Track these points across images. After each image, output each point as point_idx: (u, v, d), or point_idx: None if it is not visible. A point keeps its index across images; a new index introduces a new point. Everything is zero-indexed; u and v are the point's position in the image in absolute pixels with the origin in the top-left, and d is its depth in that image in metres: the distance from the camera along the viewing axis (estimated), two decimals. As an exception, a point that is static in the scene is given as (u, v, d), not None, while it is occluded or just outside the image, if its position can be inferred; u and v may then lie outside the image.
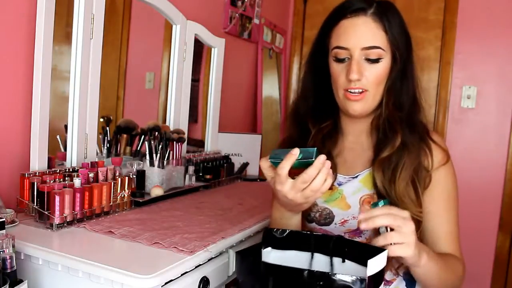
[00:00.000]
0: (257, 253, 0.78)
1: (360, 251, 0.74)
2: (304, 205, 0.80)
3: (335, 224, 0.96)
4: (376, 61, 0.88)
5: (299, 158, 0.72)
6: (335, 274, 0.63)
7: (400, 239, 0.72)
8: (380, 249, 0.70)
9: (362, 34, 0.87)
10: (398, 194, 0.88)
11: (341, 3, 0.92)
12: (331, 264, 0.77)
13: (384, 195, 0.90)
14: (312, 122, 0.99)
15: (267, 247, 0.80)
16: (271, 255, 0.81)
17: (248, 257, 0.73)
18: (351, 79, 0.87)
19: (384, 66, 0.89)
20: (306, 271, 0.65)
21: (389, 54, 0.89)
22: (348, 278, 0.62)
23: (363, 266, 0.65)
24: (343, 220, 0.95)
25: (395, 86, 0.92)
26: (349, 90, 0.89)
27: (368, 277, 0.63)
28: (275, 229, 0.81)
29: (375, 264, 0.66)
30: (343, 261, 0.77)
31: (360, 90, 0.89)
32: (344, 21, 0.89)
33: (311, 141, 0.97)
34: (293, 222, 0.89)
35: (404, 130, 0.91)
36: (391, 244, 0.72)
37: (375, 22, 0.87)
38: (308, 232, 0.81)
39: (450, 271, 0.87)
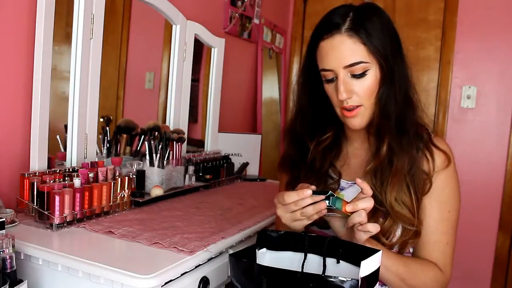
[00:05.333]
0: (251, 255, 0.77)
1: (355, 252, 0.74)
2: (292, 225, 0.81)
3: None
4: (362, 75, 0.86)
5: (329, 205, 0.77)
6: (328, 275, 0.63)
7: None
8: (374, 250, 0.70)
9: (340, 54, 0.85)
10: (389, 203, 0.88)
11: (320, 21, 0.91)
12: (324, 265, 0.77)
13: (379, 202, 0.89)
14: (309, 137, 0.98)
15: (262, 248, 0.80)
16: (266, 256, 0.80)
17: (241, 259, 0.73)
18: (340, 99, 0.87)
19: (372, 77, 0.87)
20: (299, 273, 0.65)
21: (374, 63, 0.87)
22: (340, 279, 0.62)
23: (358, 267, 0.64)
24: None
25: (382, 94, 0.90)
26: (343, 108, 0.89)
27: (361, 278, 0.63)
28: (270, 230, 0.81)
29: (369, 265, 0.65)
30: (338, 262, 0.77)
31: (353, 107, 0.88)
32: (322, 43, 0.88)
33: (311, 156, 0.96)
34: None
35: (393, 137, 0.90)
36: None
37: (351, 38, 0.85)
38: (303, 233, 0.80)
39: (405, 269, 0.86)
